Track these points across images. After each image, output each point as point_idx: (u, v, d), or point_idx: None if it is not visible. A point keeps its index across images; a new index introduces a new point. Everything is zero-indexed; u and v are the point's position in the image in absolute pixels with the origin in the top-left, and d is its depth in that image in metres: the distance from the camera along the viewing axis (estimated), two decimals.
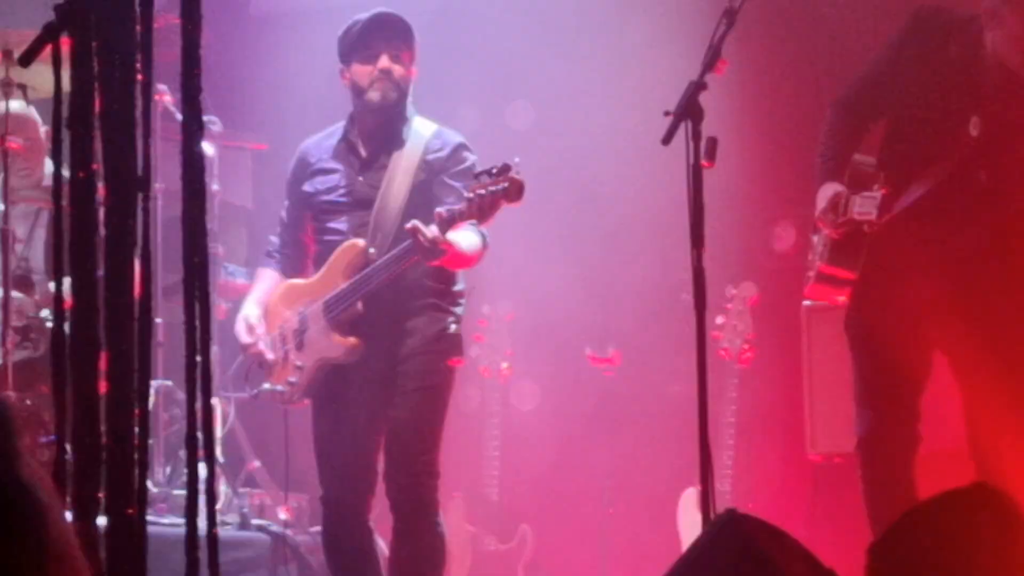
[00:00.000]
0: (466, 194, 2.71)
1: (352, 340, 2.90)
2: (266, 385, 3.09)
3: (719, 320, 3.49)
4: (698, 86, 2.19)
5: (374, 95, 2.97)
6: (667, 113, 2.20)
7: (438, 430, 2.95)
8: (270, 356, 3.02)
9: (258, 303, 3.12)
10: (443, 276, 3.00)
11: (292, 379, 3.01)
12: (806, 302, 3.39)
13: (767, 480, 3.68)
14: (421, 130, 3.04)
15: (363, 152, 3.03)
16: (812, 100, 3.63)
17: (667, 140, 2.22)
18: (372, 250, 2.92)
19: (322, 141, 3.15)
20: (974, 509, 1.84)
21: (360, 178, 3.04)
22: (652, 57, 3.94)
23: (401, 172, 2.98)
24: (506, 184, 2.64)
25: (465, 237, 2.81)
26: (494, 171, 2.68)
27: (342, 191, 3.04)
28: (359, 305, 2.93)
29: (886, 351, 2.75)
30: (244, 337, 3.03)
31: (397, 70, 2.98)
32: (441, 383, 2.98)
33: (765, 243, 3.97)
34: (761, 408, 3.65)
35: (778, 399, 3.73)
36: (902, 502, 2.57)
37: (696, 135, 2.15)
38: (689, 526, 3.36)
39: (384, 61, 2.96)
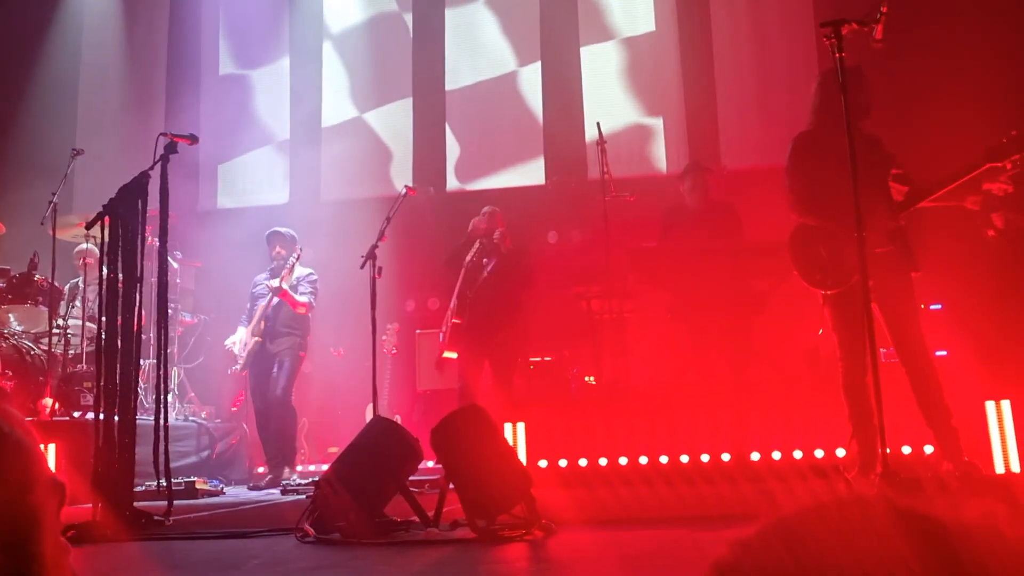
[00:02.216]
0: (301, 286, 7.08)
1: (257, 339, 6.98)
2: (235, 367, 7.12)
3: (390, 326, 8.21)
4: (374, 246, 6.69)
5: (278, 259, 7.05)
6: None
7: (292, 381, 7.11)
8: (238, 355, 7.13)
9: (237, 336, 7.15)
10: (299, 322, 7.13)
11: (240, 364, 7.05)
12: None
13: (402, 402, 8.32)
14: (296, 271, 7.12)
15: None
16: None
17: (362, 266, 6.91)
18: (270, 310, 7.07)
19: (260, 275, 7.23)
20: (475, 411, 3.92)
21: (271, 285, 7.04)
22: None
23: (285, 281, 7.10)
24: (295, 257, 6.94)
25: (299, 296, 7.01)
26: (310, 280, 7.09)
27: (264, 289, 7.07)
28: (261, 325, 6.96)
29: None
30: (229, 346, 7.19)
31: (283, 252, 7.04)
32: (295, 362, 7.11)
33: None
34: (400, 371, 8.35)
35: (406, 366, 8.36)
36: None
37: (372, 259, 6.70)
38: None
39: (276, 249, 7.12)
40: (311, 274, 7.22)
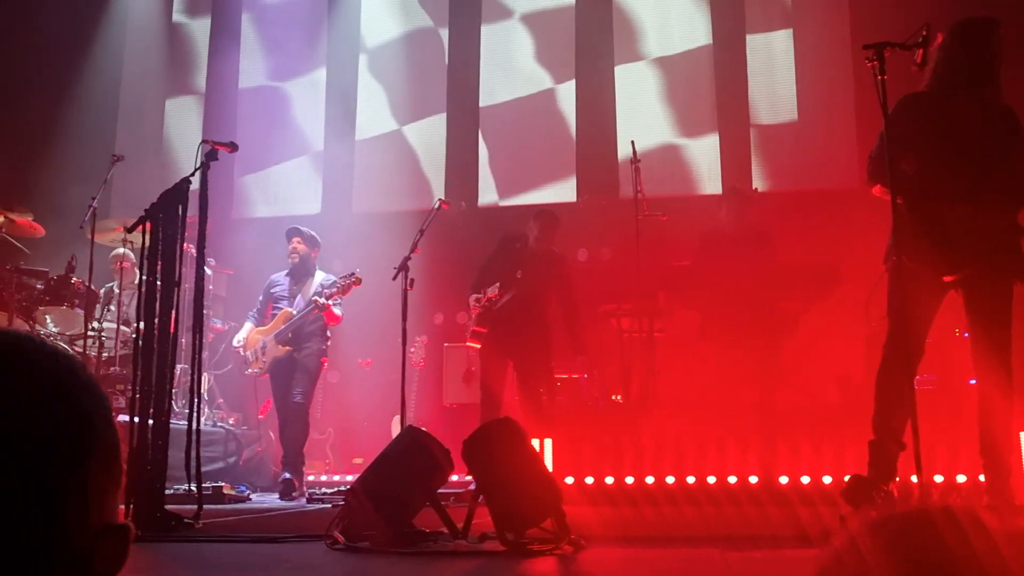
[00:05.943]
0: (339, 281, 6.63)
1: (286, 348, 6.85)
2: (249, 370, 6.97)
3: (418, 339, 8.22)
4: (407, 258, 6.73)
5: (293, 256, 7.13)
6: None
7: (313, 388, 7.05)
8: (250, 358, 6.96)
9: (245, 334, 7.02)
10: (322, 328, 6.88)
11: (259, 368, 6.99)
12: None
13: (428, 415, 8.33)
14: (318, 276, 7.01)
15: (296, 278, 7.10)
16: None
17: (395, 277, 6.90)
18: (295, 313, 6.85)
19: (278, 275, 7.17)
20: (508, 423, 3.47)
21: (295, 286, 7.03)
22: None
23: (309, 285, 7.02)
24: (353, 279, 6.49)
25: (335, 308, 6.76)
26: (348, 275, 6.63)
27: (285, 291, 7.08)
28: (288, 335, 6.83)
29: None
30: (237, 346, 7.07)
31: (300, 248, 7.11)
32: (317, 368, 6.97)
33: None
34: (427, 384, 8.37)
35: (433, 380, 8.35)
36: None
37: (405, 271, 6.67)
38: (395, 432, 7.98)
39: (293, 243, 7.13)
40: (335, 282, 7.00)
